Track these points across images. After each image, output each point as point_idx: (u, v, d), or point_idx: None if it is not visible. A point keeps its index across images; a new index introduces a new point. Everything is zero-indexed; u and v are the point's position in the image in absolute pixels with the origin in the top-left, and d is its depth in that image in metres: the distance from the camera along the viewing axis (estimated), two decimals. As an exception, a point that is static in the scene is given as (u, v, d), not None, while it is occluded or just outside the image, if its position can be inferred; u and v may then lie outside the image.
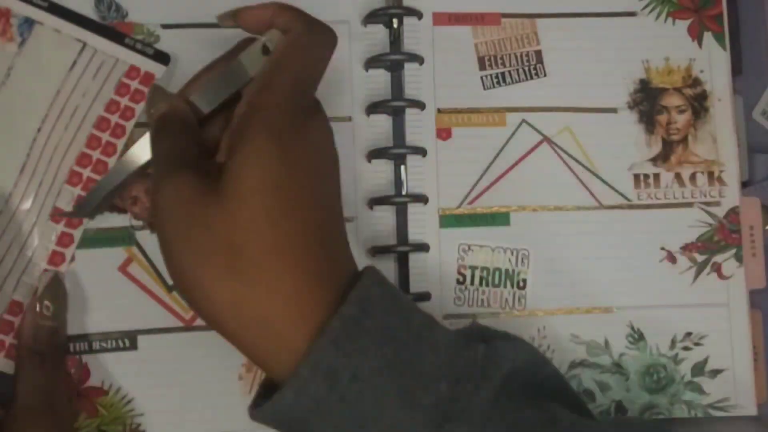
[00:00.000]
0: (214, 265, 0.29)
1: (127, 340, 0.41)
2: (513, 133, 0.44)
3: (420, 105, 0.43)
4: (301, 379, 0.29)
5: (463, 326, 0.34)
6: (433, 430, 0.29)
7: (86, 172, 0.41)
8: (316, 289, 0.30)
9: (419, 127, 0.43)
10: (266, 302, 0.29)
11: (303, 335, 0.29)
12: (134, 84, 0.41)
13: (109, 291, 0.41)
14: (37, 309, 0.38)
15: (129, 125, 0.41)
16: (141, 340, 0.41)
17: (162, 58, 0.41)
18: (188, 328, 0.41)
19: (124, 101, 0.41)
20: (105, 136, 0.41)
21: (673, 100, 0.45)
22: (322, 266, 0.30)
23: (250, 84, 0.33)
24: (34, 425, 0.36)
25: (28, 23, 0.41)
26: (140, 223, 0.41)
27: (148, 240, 0.41)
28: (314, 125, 0.33)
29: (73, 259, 0.41)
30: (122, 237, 0.41)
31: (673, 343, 0.43)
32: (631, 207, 0.44)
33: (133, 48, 0.41)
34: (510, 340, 0.34)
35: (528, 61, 0.44)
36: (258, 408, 0.30)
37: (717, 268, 0.44)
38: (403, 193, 0.43)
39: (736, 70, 0.45)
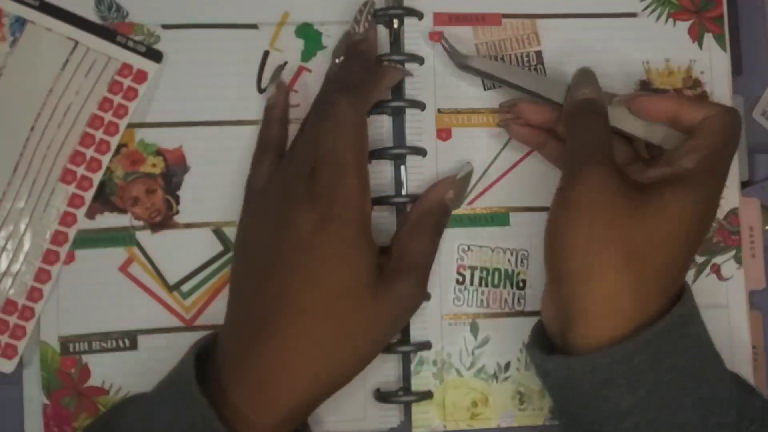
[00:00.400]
0: (610, 252, 0.34)
1: (128, 340, 0.41)
2: (513, 134, 0.44)
3: (420, 105, 0.43)
4: (632, 345, 0.33)
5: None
6: None
7: (80, 170, 0.41)
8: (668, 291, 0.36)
9: (419, 127, 0.43)
10: (637, 293, 0.35)
11: (639, 318, 0.34)
12: (127, 82, 0.41)
13: (110, 291, 0.41)
14: None
15: (122, 123, 0.41)
16: (141, 339, 0.41)
17: (154, 55, 0.41)
18: (188, 327, 0.42)
19: (117, 99, 0.41)
20: (98, 134, 0.41)
21: (673, 101, 0.44)
22: (679, 279, 0.37)
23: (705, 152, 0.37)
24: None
25: (20, 22, 0.41)
26: (141, 223, 0.42)
27: (149, 240, 0.42)
28: None
29: (67, 257, 0.41)
30: (123, 237, 0.41)
31: (672, 343, 0.43)
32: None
33: (125, 46, 0.41)
34: None
35: (528, 61, 0.44)
36: (555, 356, 0.36)
37: (716, 270, 0.44)
38: (403, 193, 0.43)
39: (736, 70, 0.45)
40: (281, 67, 0.42)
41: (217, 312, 0.42)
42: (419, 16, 0.43)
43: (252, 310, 0.36)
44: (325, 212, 0.35)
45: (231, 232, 0.42)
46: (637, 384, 0.34)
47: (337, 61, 0.41)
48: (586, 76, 0.40)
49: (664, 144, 0.39)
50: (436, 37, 0.43)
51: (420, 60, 0.43)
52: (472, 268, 0.43)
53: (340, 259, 0.35)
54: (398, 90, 0.43)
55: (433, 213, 0.40)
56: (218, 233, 0.42)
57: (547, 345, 0.38)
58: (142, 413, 0.36)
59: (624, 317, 0.34)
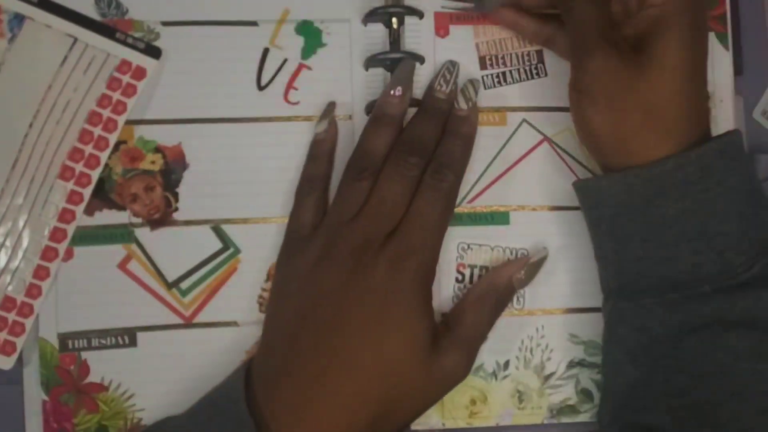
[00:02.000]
0: (632, 119, 0.37)
1: (127, 337, 0.41)
2: (513, 133, 0.44)
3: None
4: (684, 157, 0.36)
5: None
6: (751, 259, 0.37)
7: (78, 167, 0.41)
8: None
9: (420, 125, 0.43)
10: (669, 137, 0.37)
11: (688, 138, 0.37)
12: (126, 78, 0.41)
13: (109, 288, 0.41)
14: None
15: (121, 120, 0.41)
16: (140, 337, 0.41)
17: (153, 52, 0.41)
18: (187, 325, 0.42)
19: (116, 95, 0.41)
20: (97, 131, 0.41)
21: (674, 100, 0.44)
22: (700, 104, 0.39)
23: None
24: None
25: (18, 19, 0.41)
26: (139, 220, 0.42)
27: (148, 237, 0.42)
28: None
29: (66, 254, 0.41)
30: (121, 234, 0.41)
31: (671, 343, 0.43)
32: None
33: (124, 42, 0.41)
34: None
35: (529, 60, 0.44)
36: (611, 173, 0.38)
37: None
38: (403, 191, 0.43)
39: (737, 70, 0.45)
40: (333, 105, 0.42)
41: (216, 309, 0.42)
42: (420, 15, 0.43)
43: (306, 361, 0.36)
44: (401, 274, 0.37)
45: (230, 230, 0.42)
46: (686, 193, 0.36)
47: (393, 92, 0.40)
48: None
49: None
50: (442, 32, 0.43)
51: (420, 59, 0.43)
52: (472, 267, 0.43)
53: (405, 324, 0.37)
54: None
55: (498, 291, 0.41)
56: (217, 230, 0.42)
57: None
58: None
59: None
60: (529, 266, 0.41)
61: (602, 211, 0.39)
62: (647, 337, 0.38)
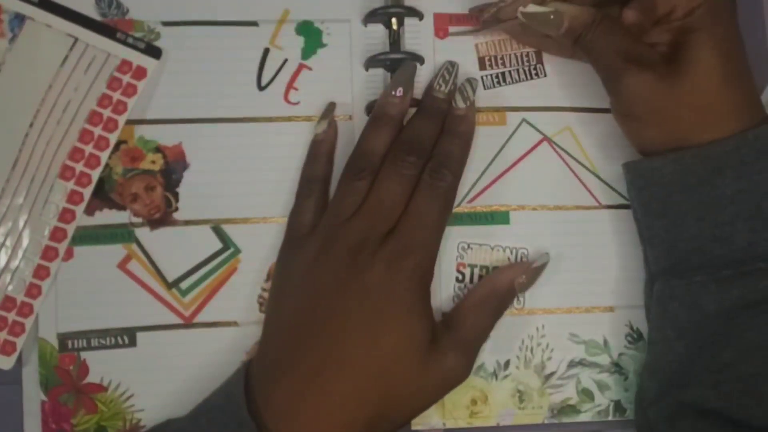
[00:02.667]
0: (685, 121, 0.38)
1: (126, 337, 0.41)
2: (513, 133, 0.44)
3: (420, 104, 0.43)
4: (739, 138, 0.37)
5: None
6: None
7: (79, 167, 0.41)
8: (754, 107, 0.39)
9: (420, 125, 0.43)
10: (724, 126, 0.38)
11: (735, 125, 0.38)
12: (126, 78, 0.41)
13: (108, 288, 0.41)
14: None
15: (121, 119, 0.41)
16: (140, 337, 0.41)
17: (154, 52, 0.41)
18: (187, 324, 0.41)
19: (116, 95, 0.41)
20: (97, 131, 0.41)
21: (673, 101, 0.44)
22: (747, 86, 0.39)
23: None
24: None
25: (19, 19, 0.41)
26: (140, 220, 0.42)
27: (148, 237, 0.42)
28: None
29: (66, 254, 0.41)
30: (122, 234, 0.41)
31: (672, 343, 0.43)
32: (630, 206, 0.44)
33: (124, 42, 0.41)
34: None
35: (528, 61, 0.44)
36: (665, 154, 0.38)
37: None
38: (403, 191, 0.43)
39: (736, 70, 0.45)
40: (333, 105, 0.42)
41: (216, 309, 0.42)
42: (420, 16, 0.43)
43: (302, 360, 0.36)
44: (398, 273, 0.37)
45: (230, 230, 0.42)
46: (743, 173, 0.37)
47: (394, 93, 0.40)
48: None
49: None
50: (441, 33, 0.43)
51: (420, 60, 0.43)
52: (472, 266, 0.43)
53: (402, 323, 0.37)
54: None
55: (499, 294, 0.41)
56: (217, 230, 0.42)
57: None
58: None
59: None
60: (531, 271, 0.41)
61: (654, 191, 0.39)
62: (699, 314, 0.38)
